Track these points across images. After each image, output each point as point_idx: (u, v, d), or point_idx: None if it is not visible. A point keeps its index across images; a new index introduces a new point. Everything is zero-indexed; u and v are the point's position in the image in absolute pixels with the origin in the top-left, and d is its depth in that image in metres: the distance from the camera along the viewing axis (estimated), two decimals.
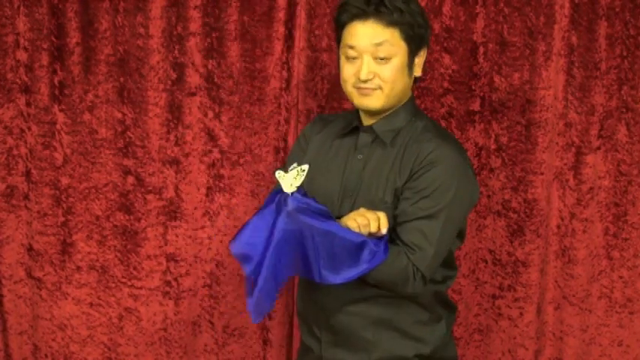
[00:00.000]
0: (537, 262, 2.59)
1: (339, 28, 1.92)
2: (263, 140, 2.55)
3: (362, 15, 1.85)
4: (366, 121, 1.98)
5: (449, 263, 2.00)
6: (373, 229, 1.78)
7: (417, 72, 1.95)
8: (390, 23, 1.85)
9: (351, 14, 1.87)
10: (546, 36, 2.47)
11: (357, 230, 1.77)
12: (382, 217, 1.80)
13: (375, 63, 1.87)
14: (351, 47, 1.87)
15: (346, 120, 2.05)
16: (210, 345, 2.64)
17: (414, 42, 1.89)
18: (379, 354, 1.95)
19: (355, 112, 2.02)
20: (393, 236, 1.87)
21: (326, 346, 1.99)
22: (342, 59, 1.91)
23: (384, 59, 1.86)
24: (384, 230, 1.78)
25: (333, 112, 2.50)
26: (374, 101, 1.90)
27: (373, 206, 1.86)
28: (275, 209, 1.78)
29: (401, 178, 1.89)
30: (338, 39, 1.95)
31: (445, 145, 1.90)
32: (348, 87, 1.92)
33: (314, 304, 1.99)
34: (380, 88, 1.89)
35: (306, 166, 1.75)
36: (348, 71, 1.90)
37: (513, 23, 2.48)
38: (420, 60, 1.94)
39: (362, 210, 1.81)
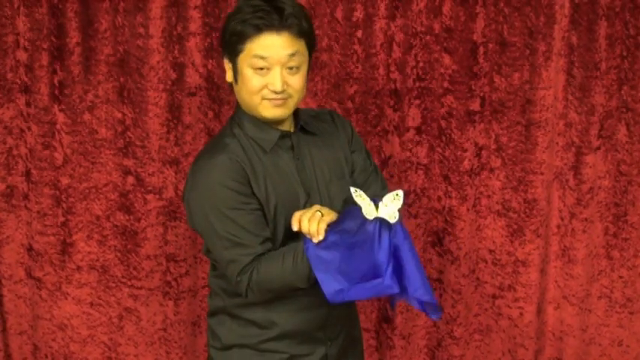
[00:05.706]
0: (537, 262, 2.59)
1: (239, 38, 1.85)
2: None
3: (276, 26, 1.83)
4: (281, 127, 1.96)
5: None
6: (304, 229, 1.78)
7: None
8: (300, 34, 1.86)
9: (261, 25, 1.82)
10: (546, 36, 2.47)
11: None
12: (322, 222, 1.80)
13: (285, 73, 1.86)
14: (262, 58, 1.84)
15: (245, 139, 1.95)
16: None
17: (312, 51, 1.92)
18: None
19: (254, 126, 1.94)
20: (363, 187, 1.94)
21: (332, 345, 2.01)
22: (247, 70, 1.86)
23: (294, 68, 1.86)
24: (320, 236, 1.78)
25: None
26: (285, 110, 1.90)
27: (342, 182, 1.95)
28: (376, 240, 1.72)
29: (342, 146, 2.01)
30: (232, 49, 1.87)
31: (322, 109, 2.16)
32: (256, 99, 1.87)
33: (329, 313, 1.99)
34: (290, 96, 1.89)
35: (400, 191, 1.74)
36: (257, 83, 1.86)
37: (513, 23, 2.48)
38: None
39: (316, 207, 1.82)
